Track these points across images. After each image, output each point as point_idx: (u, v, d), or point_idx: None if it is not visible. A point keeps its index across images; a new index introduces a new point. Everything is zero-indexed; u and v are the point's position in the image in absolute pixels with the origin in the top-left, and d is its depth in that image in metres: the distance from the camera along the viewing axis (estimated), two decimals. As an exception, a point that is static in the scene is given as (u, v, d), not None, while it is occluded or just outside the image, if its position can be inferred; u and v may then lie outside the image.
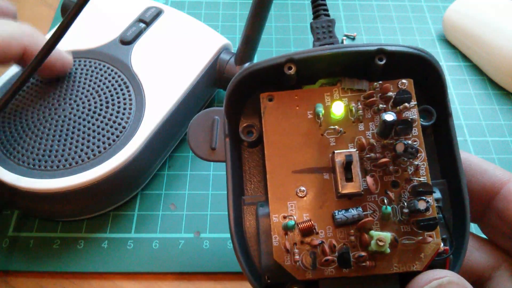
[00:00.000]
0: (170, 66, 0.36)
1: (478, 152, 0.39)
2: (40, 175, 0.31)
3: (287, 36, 0.46)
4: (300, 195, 0.21)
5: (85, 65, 0.36)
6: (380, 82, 0.21)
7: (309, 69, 0.21)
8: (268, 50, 0.45)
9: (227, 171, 0.21)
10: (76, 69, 0.35)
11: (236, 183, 0.21)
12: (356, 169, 0.20)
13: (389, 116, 0.20)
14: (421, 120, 0.22)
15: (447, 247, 0.20)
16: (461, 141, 0.39)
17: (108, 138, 0.32)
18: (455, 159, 0.21)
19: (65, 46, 0.37)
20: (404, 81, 0.21)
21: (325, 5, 0.24)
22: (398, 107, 0.20)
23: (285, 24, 0.48)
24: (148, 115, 0.33)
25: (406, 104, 0.20)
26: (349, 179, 0.20)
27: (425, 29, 0.48)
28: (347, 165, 0.20)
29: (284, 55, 0.21)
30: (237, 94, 0.22)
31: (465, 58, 0.45)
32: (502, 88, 0.43)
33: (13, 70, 0.36)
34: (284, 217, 0.20)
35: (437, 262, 0.20)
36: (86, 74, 0.35)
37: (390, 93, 0.21)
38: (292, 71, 0.21)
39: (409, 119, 0.20)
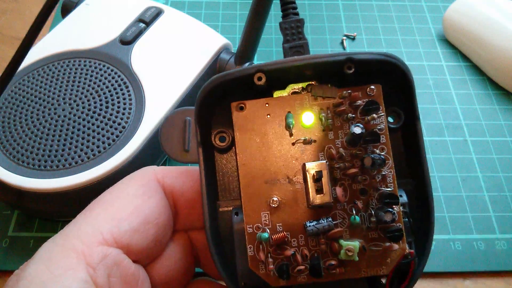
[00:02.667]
0: (170, 66, 0.36)
1: (478, 152, 0.39)
2: (40, 175, 0.31)
3: (287, 36, 0.46)
4: (273, 205, 0.21)
5: (85, 65, 0.36)
6: (349, 91, 0.21)
7: (279, 77, 0.22)
8: (268, 50, 0.45)
9: (201, 178, 0.21)
10: (76, 69, 0.35)
11: (210, 188, 0.22)
12: (326, 181, 0.21)
13: (357, 129, 0.20)
14: (390, 121, 0.23)
15: (413, 250, 0.21)
16: (461, 141, 0.40)
17: (108, 138, 0.32)
18: (421, 161, 0.22)
19: (66, 46, 0.37)
20: (372, 87, 0.21)
21: (294, 3, 0.24)
22: (366, 118, 0.21)
23: (285, 24, 0.48)
24: (148, 115, 0.33)
25: (374, 115, 0.21)
26: (319, 190, 0.21)
27: (425, 29, 0.48)
28: (317, 180, 0.21)
29: (254, 65, 0.21)
30: (207, 102, 0.22)
31: (465, 58, 0.45)
32: (502, 88, 0.43)
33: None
34: (258, 228, 0.21)
35: (403, 263, 0.21)
36: (86, 74, 0.35)
37: (359, 102, 0.21)
38: (262, 82, 0.21)
39: (377, 130, 0.21)
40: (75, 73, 0.35)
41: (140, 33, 0.38)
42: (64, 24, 0.39)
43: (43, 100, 0.34)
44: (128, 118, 0.33)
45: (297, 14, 0.24)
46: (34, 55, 0.36)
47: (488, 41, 0.42)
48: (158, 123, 0.33)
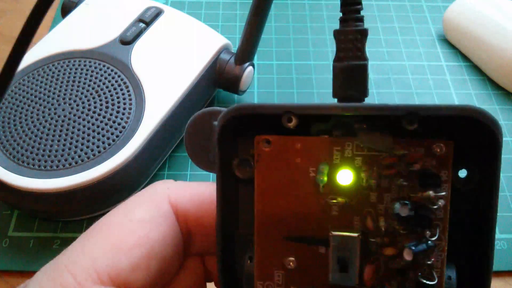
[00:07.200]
0: (170, 66, 0.36)
1: (478, 152, 0.39)
2: (40, 175, 0.31)
3: (287, 36, 0.46)
4: (289, 266, 0.18)
5: (85, 65, 0.36)
6: (406, 151, 0.16)
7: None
8: (268, 50, 0.45)
9: (217, 205, 0.18)
10: (76, 69, 0.35)
11: (228, 218, 0.19)
12: (354, 259, 0.17)
13: (404, 211, 0.16)
14: (460, 176, 0.17)
15: None
16: (461, 141, 0.39)
17: (108, 138, 0.32)
18: (487, 245, 0.17)
19: (66, 46, 0.37)
20: (441, 144, 0.16)
21: (360, 3, 0.17)
22: (420, 193, 0.16)
23: (285, 24, 0.48)
24: (148, 115, 0.33)
25: (431, 192, 0.16)
26: (343, 268, 0.17)
27: (425, 29, 0.48)
28: (343, 266, 0.17)
29: (283, 105, 0.17)
30: (228, 131, 0.18)
31: (465, 58, 0.45)
32: (502, 88, 0.43)
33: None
34: (269, 287, 0.18)
35: None
36: (86, 74, 0.35)
37: (418, 166, 0.16)
38: (292, 124, 0.17)
39: (429, 214, 0.16)
40: (75, 73, 0.35)
41: (140, 33, 0.38)
42: (64, 24, 0.39)
43: (43, 100, 0.34)
44: (128, 118, 0.33)
45: (361, 19, 0.18)
46: (34, 55, 0.36)
47: (488, 41, 0.42)
48: (158, 123, 0.33)
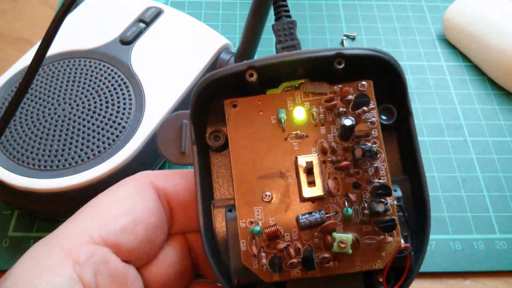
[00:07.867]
0: (170, 66, 0.36)
1: (478, 152, 0.39)
2: (40, 175, 0.31)
3: (287, 36, 0.46)
4: (266, 200, 0.21)
5: (85, 65, 0.36)
6: (340, 86, 0.22)
7: (271, 74, 0.22)
8: (268, 50, 0.45)
9: (195, 176, 0.21)
10: (76, 69, 0.35)
11: (205, 187, 0.22)
12: (317, 173, 0.21)
13: (348, 121, 0.21)
14: (383, 118, 0.23)
15: (408, 244, 0.21)
16: (461, 141, 0.40)
17: (108, 138, 0.32)
18: (415, 157, 0.22)
19: (66, 46, 0.37)
20: (363, 82, 0.22)
21: (286, 6, 0.25)
22: (357, 111, 0.21)
23: (285, 24, 0.48)
24: (148, 115, 0.33)
25: (364, 107, 0.21)
26: (311, 183, 0.21)
27: (425, 29, 0.48)
28: (309, 171, 0.21)
29: (245, 62, 0.21)
30: (201, 101, 0.22)
31: (465, 58, 0.45)
32: (502, 88, 0.43)
33: (15, 68, 0.36)
34: (251, 222, 0.21)
35: (399, 259, 0.21)
36: (86, 74, 0.35)
37: (350, 96, 0.21)
38: (254, 78, 0.21)
39: (368, 124, 0.21)
40: (75, 73, 0.35)
41: (140, 33, 0.38)
42: (64, 24, 0.39)
43: (43, 100, 0.34)
44: (128, 118, 0.33)
45: (289, 16, 0.24)
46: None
47: (488, 41, 0.42)
48: (158, 123, 0.33)
